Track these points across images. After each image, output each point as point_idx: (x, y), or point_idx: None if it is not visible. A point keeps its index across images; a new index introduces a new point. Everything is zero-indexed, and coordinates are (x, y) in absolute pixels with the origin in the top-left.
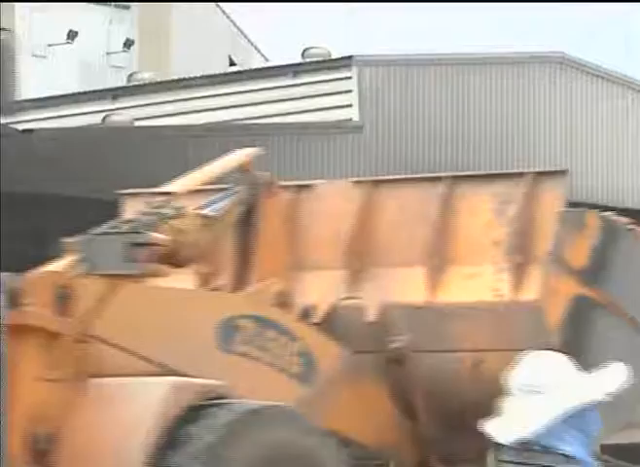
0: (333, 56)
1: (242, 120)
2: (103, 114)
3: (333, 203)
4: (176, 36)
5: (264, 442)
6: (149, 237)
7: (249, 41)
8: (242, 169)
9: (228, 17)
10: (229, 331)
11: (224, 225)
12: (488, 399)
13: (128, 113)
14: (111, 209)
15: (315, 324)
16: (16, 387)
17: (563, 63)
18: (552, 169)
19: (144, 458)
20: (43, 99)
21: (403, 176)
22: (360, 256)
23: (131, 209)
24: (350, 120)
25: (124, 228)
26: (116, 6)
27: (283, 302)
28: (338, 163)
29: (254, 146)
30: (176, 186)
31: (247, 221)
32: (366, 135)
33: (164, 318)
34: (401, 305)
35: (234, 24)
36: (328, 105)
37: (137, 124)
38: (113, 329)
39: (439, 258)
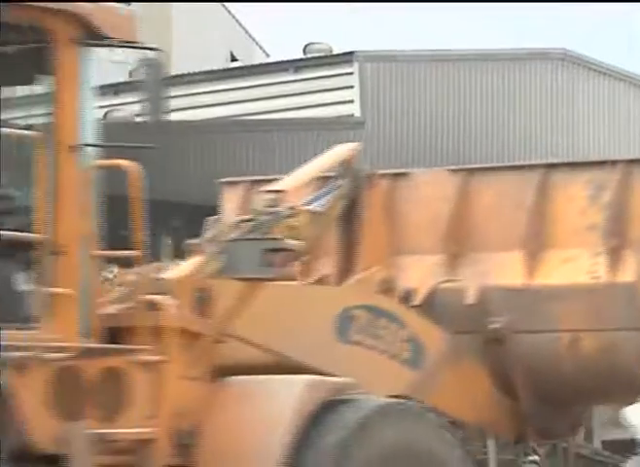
0: (334, 52)
1: (243, 115)
2: (105, 109)
3: (430, 190)
4: (177, 32)
5: (391, 437)
6: (284, 244)
7: (250, 36)
8: (345, 163)
9: (229, 12)
10: (345, 322)
11: (329, 218)
12: (585, 376)
13: (130, 108)
14: (114, 205)
15: (415, 306)
16: (163, 386)
17: (565, 60)
18: None
19: (282, 454)
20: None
21: (498, 164)
22: (458, 241)
23: (230, 199)
24: (352, 115)
25: (247, 227)
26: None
27: (387, 288)
28: None
29: (254, 141)
30: (286, 183)
31: (350, 212)
32: (367, 131)
33: (290, 314)
34: (499, 288)
35: (236, 20)
36: (329, 101)
37: (139, 119)
38: (249, 327)
39: (536, 242)
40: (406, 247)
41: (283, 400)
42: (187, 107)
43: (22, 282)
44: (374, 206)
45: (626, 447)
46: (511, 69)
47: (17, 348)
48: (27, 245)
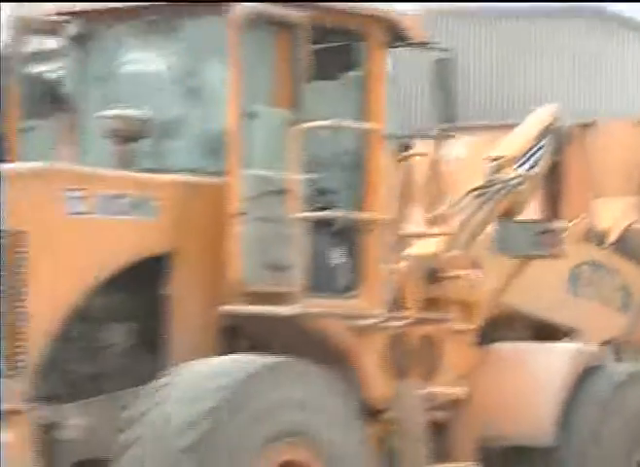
0: None
1: None
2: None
3: (619, 138)
4: None
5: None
6: (554, 226)
7: None
8: (548, 124)
9: None
10: (575, 277)
11: (540, 177)
12: None
13: None
14: None
15: (609, 245)
16: (464, 350)
17: (600, 17)
18: None
19: (555, 411)
20: None
21: None
22: None
23: (421, 149)
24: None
25: (483, 198)
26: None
27: (590, 237)
28: None
29: None
30: (504, 149)
31: (554, 168)
32: (401, 88)
33: (533, 276)
34: None
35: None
36: None
37: None
38: (510, 294)
39: None
40: (598, 190)
41: (555, 363)
42: None
43: (334, 256)
44: (572, 158)
45: None
46: (547, 26)
47: (362, 317)
48: (332, 223)
